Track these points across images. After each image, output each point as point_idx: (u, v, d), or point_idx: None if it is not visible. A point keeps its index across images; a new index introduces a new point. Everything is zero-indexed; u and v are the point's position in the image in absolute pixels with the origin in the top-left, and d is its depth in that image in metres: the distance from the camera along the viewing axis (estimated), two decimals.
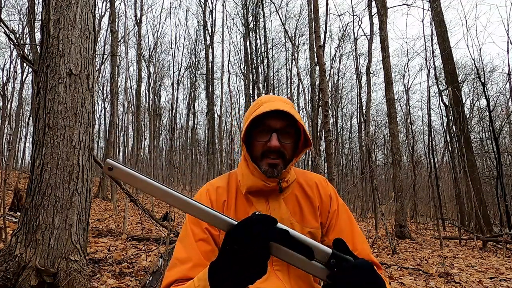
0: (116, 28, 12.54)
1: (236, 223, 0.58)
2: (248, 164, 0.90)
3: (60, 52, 2.53)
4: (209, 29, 17.22)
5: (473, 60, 8.20)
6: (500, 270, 4.51)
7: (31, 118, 16.41)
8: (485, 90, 8.57)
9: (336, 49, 17.65)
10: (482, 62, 9.23)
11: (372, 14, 10.74)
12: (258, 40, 17.12)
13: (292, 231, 0.59)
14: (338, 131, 18.45)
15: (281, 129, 0.87)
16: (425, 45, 9.65)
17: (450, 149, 11.55)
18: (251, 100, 16.58)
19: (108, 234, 5.06)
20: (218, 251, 0.86)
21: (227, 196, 0.92)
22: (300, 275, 0.90)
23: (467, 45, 8.63)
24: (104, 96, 19.09)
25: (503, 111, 15.99)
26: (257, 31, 17.04)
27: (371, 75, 11.28)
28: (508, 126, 16.42)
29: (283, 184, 0.91)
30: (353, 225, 0.97)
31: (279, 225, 0.59)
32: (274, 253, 0.58)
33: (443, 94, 10.95)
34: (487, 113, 9.56)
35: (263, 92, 16.60)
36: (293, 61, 17.23)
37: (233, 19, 22.89)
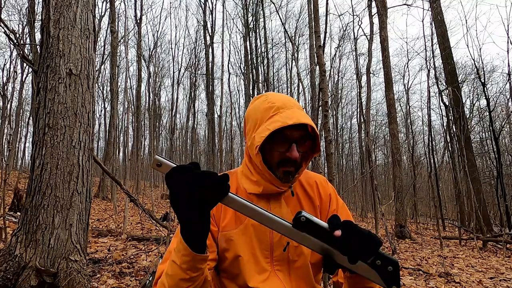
0: (116, 28, 12.54)
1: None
2: (256, 169, 0.89)
3: (60, 52, 2.53)
4: (209, 29, 17.22)
5: (473, 60, 8.20)
6: (500, 270, 4.51)
7: (31, 118, 16.41)
8: (485, 90, 8.57)
9: (336, 49, 17.66)
10: (482, 62, 9.24)
11: (372, 14, 10.74)
12: (258, 40, 17.11)
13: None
14: (338, 131, 18.44)
15: (298, 139, 0.86)
16: (425, 45, 9.67)
17: (450, 149, 11.54)
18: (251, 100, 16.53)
19: (108, 234, 5.06)
20: (216, 246, 0.87)
21: None
22: (301, 275, 0.90)
23: (467, 45, 8.64)
24: (104, 96, 19.10)
25: (503, 111, 15.99)
26: (257, 31, 17.03)
27: (371, 75, 11.27)
28: (508, 126, 16.42)
29: (294, 188, 0.92)
30: None
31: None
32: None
33: (443, 94, 10.95)
34: (487, 113, 9.56)
35: (263, 92, 16.57)
36: (293, 61, 17.24)
37: (233, 19, 22.88)
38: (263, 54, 16.90)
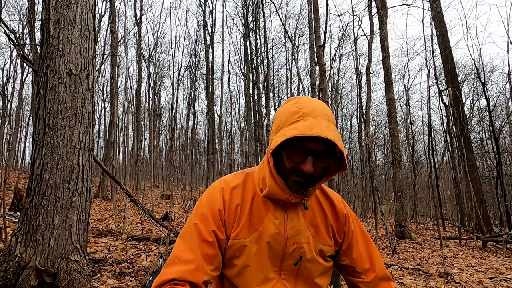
0: (116, 28, 12.54)
1: None
2: (272, 173, 0.83)
3: (60, 52, 2.53)
4: (209, 29, 17.22)
5: (473, 60, 8.20)
6: (500, 270, 4.51)
7: (31, 118, 16.41)
8: (485, 90, 8.57)
9: (336, 49, 17.64)
10: (482, 62, 9.23)
11: (372, 14, 10.74)
12: (258, 40, 17.11)
13: None
14: (338, 131, 18.40)
15: (318, 152, 0.79)
16: (425, 45, 9.68)
17: (450, 149, 11.55)
18: (251, 100, 16.55)
19: (108, 234, 5.05)
20: (222, 256, 0.85)
21: (241, 199, 0.87)
22: (307, 285, 0.89)
23: (467, 45, 8.63)
24: (104, 96, 19.11)
25: (503, 111, 15.99)
26: (257, 31, 17.02)
27: (371, 75, 11.27)
28: (508, 126, 16.42)
29: (307, 200, 0.86)
30: (370, 244, 0.97)
31: None
32: None
33: (443, 94, 10.95)
34: (487, 113, 9.56)
35: (263, 92, 16.58)
36: (293, 61, 17.23)
37: (233, 19, 22.89)
38: (263, 54, 16.91)
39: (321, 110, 0.81)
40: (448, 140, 11.64)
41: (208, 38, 17.28)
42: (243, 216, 0.85)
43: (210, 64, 16.94)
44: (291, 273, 0.87)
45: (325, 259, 0.91)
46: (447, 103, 10.28)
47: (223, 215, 0.85)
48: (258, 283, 0.84)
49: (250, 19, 16.88)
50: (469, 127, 11.61)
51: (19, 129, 18.68)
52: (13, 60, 15.69)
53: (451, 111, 9.77)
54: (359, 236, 0.95)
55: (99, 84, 17.96)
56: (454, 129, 9.79)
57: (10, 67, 16.18)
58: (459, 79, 10.18)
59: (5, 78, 16.19)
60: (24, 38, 13.36)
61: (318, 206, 0.93)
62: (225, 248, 0.85)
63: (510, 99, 15.30)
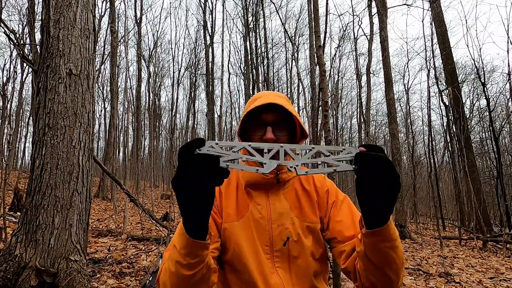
0: (116, 28, 12.54)
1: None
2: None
3: (60, 52, 2.53)
4: (209, 29, 17.21)
5: (473, 60, 8.19)
6: (500, 270, 4.51)
7: (31, 118, 16.40)
8: (485, 90, 8.56)
9: (336, 49, 17.64)
10: (482, 62, 9.22)
11: (372, 14, 10.74)
12: (258, 40, 17.10)
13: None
14: (338, 131, 18.42)
15: (275, 123, 0.89)
16: (425, 45, 9.66)
17: (450, 149, 11.54)
18: None
19: (108, 234, 5.05)
20: (220, 237, 0.89)
21: (227, 188, 0.95)
22: (302, 272, 0.90)
23: (467, 45, 8.64)
24: (104, 96, 19.10)
25: (503, 111, 15.98)
26: (257, 31, 17.01)
27: (371, 75, 11.27)
28: (508, 126, 16.42)
29: (283, 176, 0.93)
30: (353, 212, 0.95)
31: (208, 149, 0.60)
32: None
33: (443, 94, 10.94)
34: (487, 113, 9.56)
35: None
36: (293, 61, 17.22)
37: (233, 19, 22.85)
38: (263, 54, 16.89)
39: (274, 93, 0.94)
40: (448, 140, 11.63)
41: (208, 38, 17.29)
42: (231, 202, 0.92)
43: (210, 64, 16.94)
44: (283, 259, 0.89)
45: (314, 238, 0.92)
46: (447, 103, 10.28)
47: (216, 200, 0.92)
48: (254, 265, 0.87)
49: (250, 19, 16.87)
50: (469, 127, 11.61)
51: (19, 129, 18.68)
52: (13, 60, 15.70)
53: (451, 111, 9.77)
54: (340, 206, 0.96)
55: (99, 84, 17.95)
56: (454, 129, 9.78)
57: (10, 67, 16.19)
58: (459, 79, 10.18)
59: (5, 78, 16.19)
60: (24, 38, 13.36)
61: (300, 186, 0.97)
62: (222, 229, 0.90)
63: (510, 99, 15.31)
